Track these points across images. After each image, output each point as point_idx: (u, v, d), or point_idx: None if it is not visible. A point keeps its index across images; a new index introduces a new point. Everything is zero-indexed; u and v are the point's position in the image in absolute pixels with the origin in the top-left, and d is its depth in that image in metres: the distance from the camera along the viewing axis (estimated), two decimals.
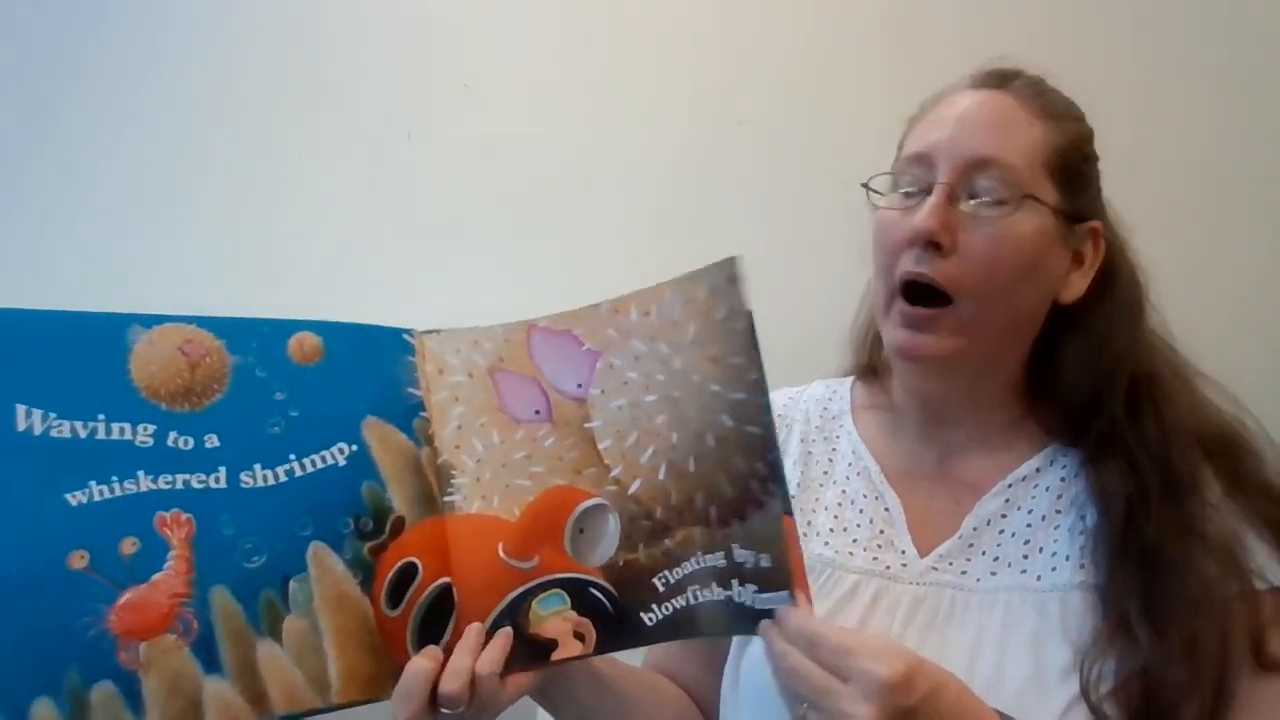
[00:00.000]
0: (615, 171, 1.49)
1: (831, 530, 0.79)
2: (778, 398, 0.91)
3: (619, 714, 0.77)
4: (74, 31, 1.64)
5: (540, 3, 1.53)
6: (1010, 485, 0.75)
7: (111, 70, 1.62)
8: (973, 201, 0.70)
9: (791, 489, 0.82)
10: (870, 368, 0.88)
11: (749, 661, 0.77)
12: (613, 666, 0.77)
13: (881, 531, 0.77)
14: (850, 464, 0.82)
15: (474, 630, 0.64)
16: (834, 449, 0.84)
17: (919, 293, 0.72)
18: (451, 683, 0.61)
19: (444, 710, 0.61)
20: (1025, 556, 0.72)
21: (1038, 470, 0.75)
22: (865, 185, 0.77)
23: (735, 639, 0.80)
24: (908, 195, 0.74)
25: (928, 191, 0.72)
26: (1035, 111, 0.73)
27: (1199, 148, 1.27)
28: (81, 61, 1.63)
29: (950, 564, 0.73)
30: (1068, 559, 0.71)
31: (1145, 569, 0.66)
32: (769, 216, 1.45)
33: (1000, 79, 0.76)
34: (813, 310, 1.43)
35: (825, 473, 0.83)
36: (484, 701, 0.62)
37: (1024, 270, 0.71)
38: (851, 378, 0.90)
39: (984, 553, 0.73)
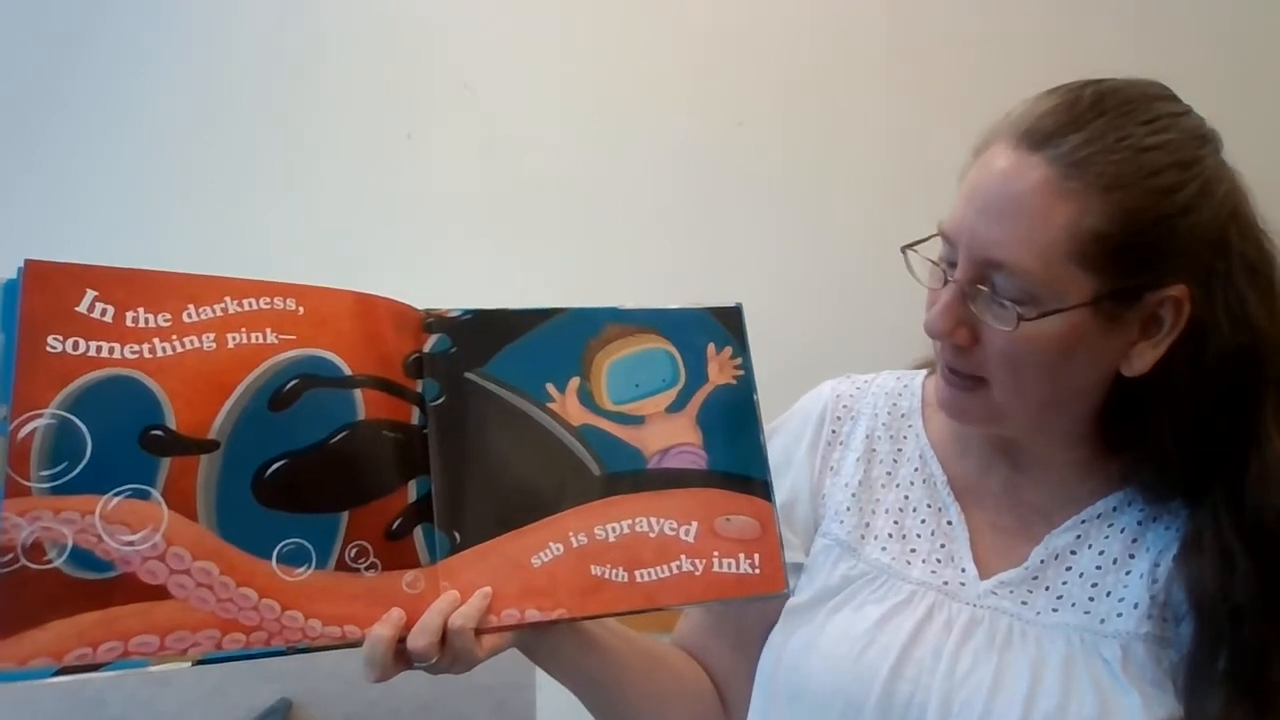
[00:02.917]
0: (615, 171, 1.49)
1: (890, 536, 0.77)
2: (843, 385, 0.85)
3: (617, 682, 0.76)
4: (72, 29, 1.64)
5: (540, 3, 1.53)
6: (1084, 522, 0.72)
7: (111, 68, 1.62)
8: (986, 302, 0.65)
9: (853, 487, 0.79)
10: None
11: (792, 651, 0.75)
12: (610, 634, 0.75)
13: (942, 545, 0.75)
14: (916, 469, 0.79)
15: (449, 596, 0.63)
16: (899, 449, 0.80)
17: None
18: (420, 639, 0.60)
19: (417, 664, 0.61)
20: (1091, 599, 0.70)
21: (1114, 510, 0.72)
22: (904, 249, 0.71)
23: (778, 623, 0.78)
24: (944, 267, 0.69)
25: (953, 268, 0.68)
26: (1073, 189, 0.62)
27: None
28: (80, 58, 1.62)
29: (1011, 592, 0.71)
30: (1136, 606, 0.68)
31: (1242, 693, 0.64)
32: (768, 216, 1.45)
33: (1041, 139, 0.64)
34: (814, 310, 1.43)
35: (889, 474, 0.80)
36: (457, 655, 0.62)
37: (1053, 366, 0.66)
38: (924, 371, 0.84)
39: (1047, 588, 0.71)
